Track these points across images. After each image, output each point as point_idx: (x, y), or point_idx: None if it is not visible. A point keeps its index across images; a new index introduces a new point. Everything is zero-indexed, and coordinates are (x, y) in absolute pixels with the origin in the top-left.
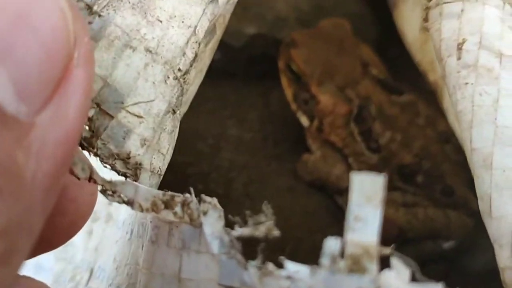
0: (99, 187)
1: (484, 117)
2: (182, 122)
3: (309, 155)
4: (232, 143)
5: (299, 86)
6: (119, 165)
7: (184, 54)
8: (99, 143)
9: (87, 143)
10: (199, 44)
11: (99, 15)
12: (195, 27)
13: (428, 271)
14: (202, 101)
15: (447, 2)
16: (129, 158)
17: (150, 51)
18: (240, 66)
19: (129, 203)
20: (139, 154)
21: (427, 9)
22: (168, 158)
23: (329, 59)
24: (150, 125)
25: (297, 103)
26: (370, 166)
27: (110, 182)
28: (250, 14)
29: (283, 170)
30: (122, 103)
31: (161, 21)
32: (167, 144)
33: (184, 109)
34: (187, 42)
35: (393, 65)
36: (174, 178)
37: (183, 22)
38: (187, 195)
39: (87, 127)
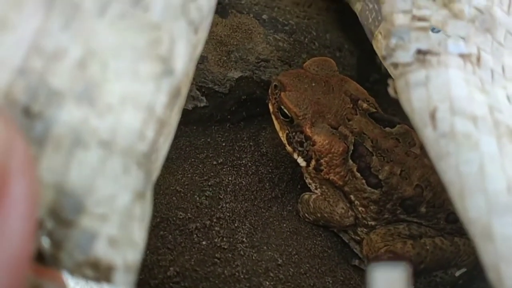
0: None
1: (473, 186)
2: (177, 175)
3: (309, 194)
4: (230, 192)
5: (293, 128)
6: (89, 272)
7: (143, 137)
8: (63, 255)
9: (50, 259)
10: (161, 122)
11: (41, 116)
12: (152, 105)
13: None
14: (194, 151)
15: (410, 72)
16: (98, 263)
17: (104, 144)
18: (228, 111)
19: None
20: (109, 255)
21: (394, 78)
22: (142, 243)
23: (319, 99)
24: (117, 221)
25: (292, 145)
26: (372, 201)
27: None
28: (233, 58)
29: (285, 212)
30: (82, 207)
31: (112, 107)
32: (140, 231)
33: (156, 173)
34: (145, 123)
35: (376, 90)
36: (178, 236)
37: (137, 102)
38: None
39: (48, 241)
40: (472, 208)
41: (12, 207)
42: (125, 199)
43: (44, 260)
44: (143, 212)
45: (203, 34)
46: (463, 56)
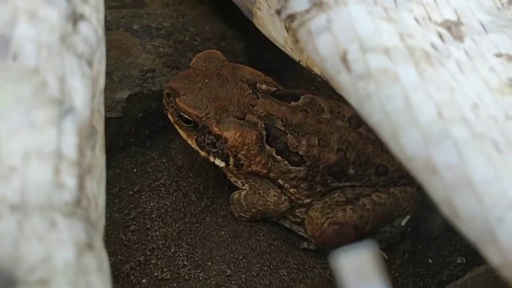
0: None
1: (403, 122)
2: None
3: (238, 192)
4: (156, 218)
5: (200, 132)
6: None
7: (60, 185)
8: None
9: None
10: (79, 165)
11: None
12: (59, 150)
13: (395, 251)
14: (105, 186)
15: (309, 19)
16: None
17: (16, 208)
18: (128, 134)
19: None
20: None
21: (293, 31)
22: None
23: (216, 94)
24: (64, 281)
25: (205, 149)
26: (301, 179)
27: None
28: (115, 78)
29: (220, 219)
30: (14, 279)
31: (15, 168)
32: (101, 283)
33: (102, 221)
34: (56, 171)
35: (271, 68)
36: (114, 282)
37: (41, 153)
38: None
39: None
40: (408, 145)
41: None
42: (65, 255)
43: None
44: (98, 262)
45: (101, 66)
46: None
